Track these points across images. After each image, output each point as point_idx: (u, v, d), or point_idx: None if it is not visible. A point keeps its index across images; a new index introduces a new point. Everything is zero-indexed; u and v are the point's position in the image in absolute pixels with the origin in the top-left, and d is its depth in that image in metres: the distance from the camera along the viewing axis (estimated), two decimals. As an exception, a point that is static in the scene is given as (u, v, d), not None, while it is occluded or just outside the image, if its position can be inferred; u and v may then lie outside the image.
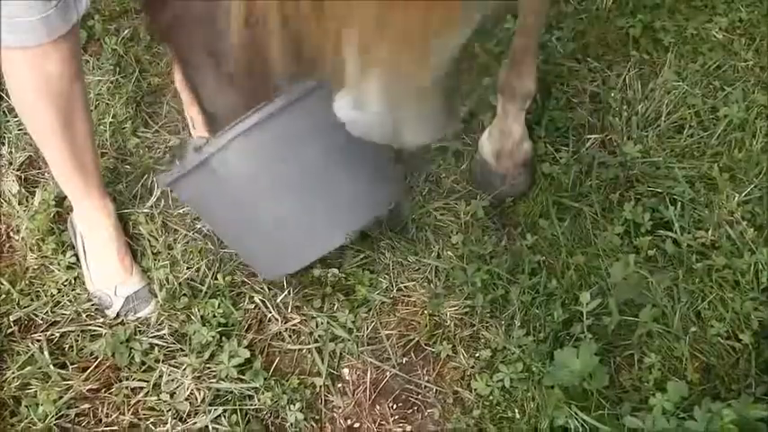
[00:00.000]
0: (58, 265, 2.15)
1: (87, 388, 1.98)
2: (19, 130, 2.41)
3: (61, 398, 1.94)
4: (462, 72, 2.25)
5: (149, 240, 2.21)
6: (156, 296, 2.09)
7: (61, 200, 2.25)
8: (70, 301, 2.11)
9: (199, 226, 2.23)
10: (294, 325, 2.07)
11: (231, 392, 1.95)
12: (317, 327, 2.05)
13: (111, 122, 2.45)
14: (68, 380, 1.98)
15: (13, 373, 1.98)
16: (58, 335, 2.06)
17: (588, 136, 2.37)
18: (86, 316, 2.09)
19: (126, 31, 2.72)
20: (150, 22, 1.54)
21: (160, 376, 1.98)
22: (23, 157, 2.39)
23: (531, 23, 2.06)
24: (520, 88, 2.13)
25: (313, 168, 1.66)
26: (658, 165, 2.30)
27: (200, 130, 2.30)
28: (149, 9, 1.49)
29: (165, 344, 2.03)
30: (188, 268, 2.15)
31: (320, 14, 1.04)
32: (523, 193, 2.27)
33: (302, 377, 2.00)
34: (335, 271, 2.10)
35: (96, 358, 2.02)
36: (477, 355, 2.01)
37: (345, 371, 2.03)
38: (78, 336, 2.06)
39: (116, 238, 2.15)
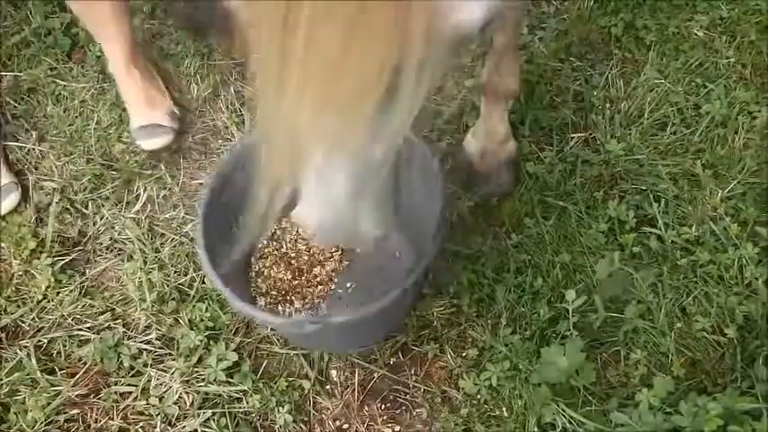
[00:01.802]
0: (37, 268, 2.15)
1: (76, 393, 1.98)
2: None
3: (50, 404, 1.95)
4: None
5: (137, 244, 2.21)
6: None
7: (46, 206, 2.25)
8: (55, 306, 2.11)
9: (186, 230, 2.24)
10: (282, 327, 2.08)
11: (220, 396, 1.96)
12: (304, 329, 2.06)
13: (95, 128, 2.45)
14: (57, 386, 1.99)
15: (1, 380, 1.98)
16: (45, 341, 2.06)
17: (572, 135, 2.38)
18: (72, 320, 2.09)
19: (110, 37, 2.71)
20: None
21: (149, 381, 1.99)
22: (8, 164, 2.39)
23: (510, 21, 2.06)
24: (503, 88, 2.13)
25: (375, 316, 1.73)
26: (642, 162, 2.31)
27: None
28: None
29: (153, 348, 2.04)
30: (176, 272, 2.16)
31: None
32: (508, 192, 2.28)
33: (290, 379, 2.00)
34: (322, 273, 2.10)
35: (85, 364, 2.02)
36: (464, 354, 2.02)
37: (333, 372, 2.03)
38: (66, 341, 2.06)
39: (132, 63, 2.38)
